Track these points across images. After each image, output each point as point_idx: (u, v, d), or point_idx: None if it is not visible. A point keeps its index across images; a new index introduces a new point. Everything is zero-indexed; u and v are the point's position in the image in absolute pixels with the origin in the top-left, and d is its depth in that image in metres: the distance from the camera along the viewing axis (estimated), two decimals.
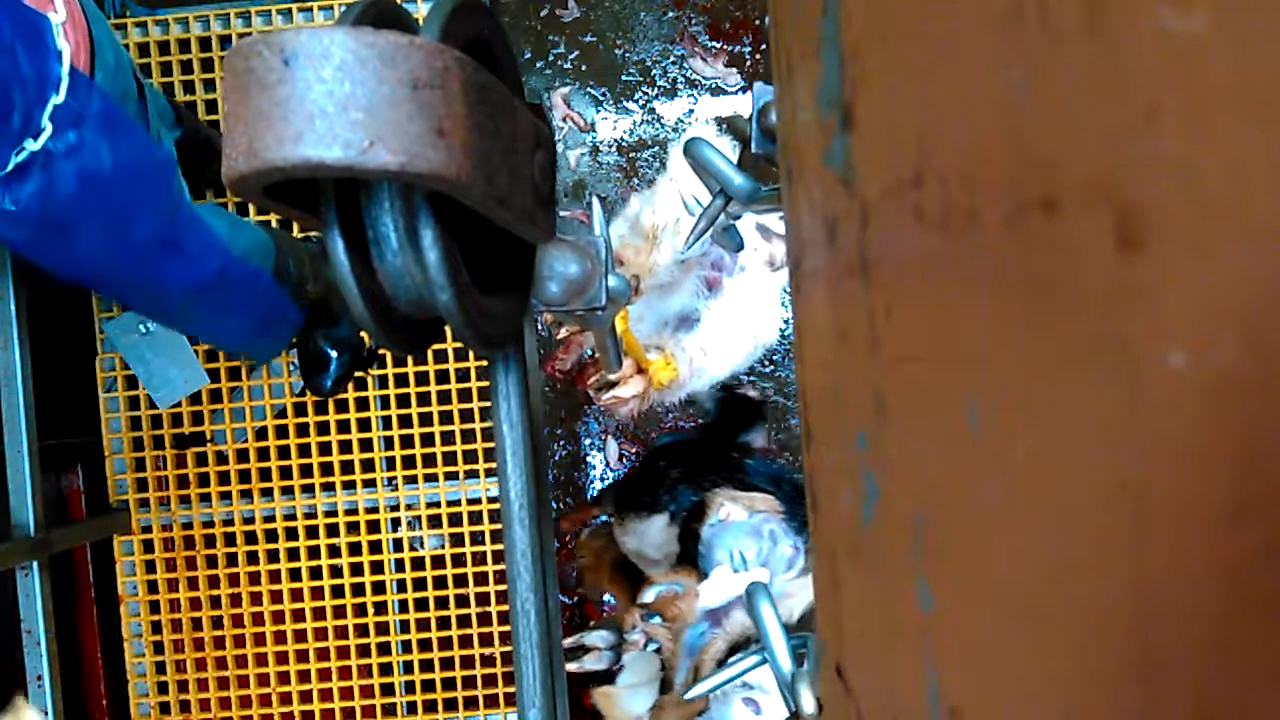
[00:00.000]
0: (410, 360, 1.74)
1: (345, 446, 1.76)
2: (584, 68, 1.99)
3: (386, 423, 1.77)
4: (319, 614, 1.77)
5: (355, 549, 1.78)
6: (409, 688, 1.77)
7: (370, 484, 1.77)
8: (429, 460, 1.76)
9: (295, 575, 1.76)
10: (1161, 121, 0.16)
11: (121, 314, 1.67)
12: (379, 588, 1.77)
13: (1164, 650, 0.17)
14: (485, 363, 0.46)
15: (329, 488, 1.76)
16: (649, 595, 1.15)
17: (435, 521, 1.78)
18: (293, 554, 1.76)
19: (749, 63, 1.99)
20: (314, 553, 1.76)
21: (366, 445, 1.76)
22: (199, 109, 1.73)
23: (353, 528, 1.78)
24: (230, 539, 1.75)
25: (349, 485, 1.77)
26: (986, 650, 0.23)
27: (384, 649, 1.78)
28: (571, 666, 1.15)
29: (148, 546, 1.75)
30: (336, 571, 1.77)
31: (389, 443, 1.77)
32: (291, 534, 1.76)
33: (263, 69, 0.29)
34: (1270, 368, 0.14)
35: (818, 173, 0.32)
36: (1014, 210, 0.20)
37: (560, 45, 1.98)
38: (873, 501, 0.29)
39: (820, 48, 0.30)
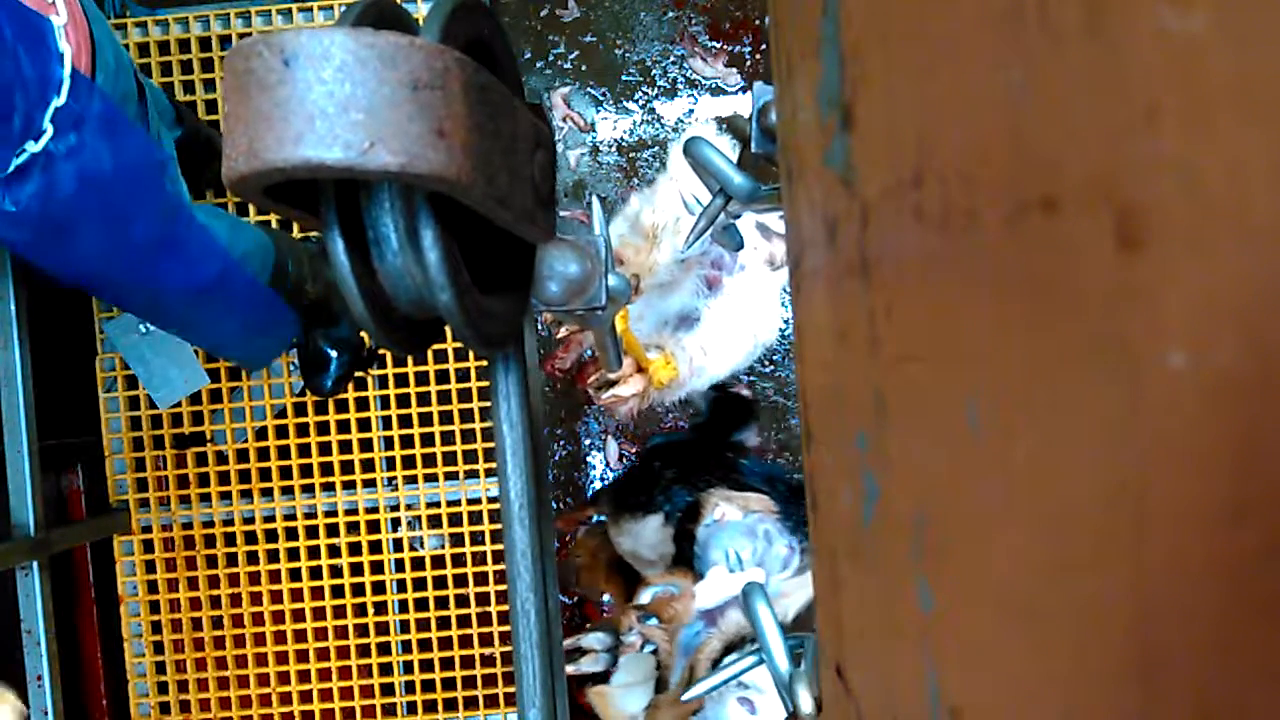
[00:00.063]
0: (410, 360, 1.74)
1: (345, 446, 1.76)
2: (584, 68, 1.99)
3: (386, 423, 1.77)
4: (319, 614, 1.77)
5: (355, 549, 1.78)
6: (409, 688, 1.77)
7: (370, 484, 1.77)
8: (429, 460, 1.76)
9: (295, 575, 1.76)
10: (1161, 121, 0.16)
11: (121, 314, 1.67)
12: (379, 588, 1.78)
13: (1164, 650, 0.17)
14: (485, 363, 0.46)
15: (329, 488, 1.76)
16: (645, 597, 1.15)
17: (435, 521, 1.78)
18: (293, 554, 1.76)
19: (749, 63, 1.99)
20: (314, 553, 1.76)
21: (366, 445, 1.76)
22: (199, 109, 1.73)
23: (353, 528, 1.78)
24: (230, 539, 1.75)
25: (349, 485, 1.77)
26: (986, 650, 0.23)
27: (384, 649, 1.78)
28: (568, 669, 1.15)
29: (148, 546, 1.75)
30: (336, 571, 1.77)
31: (389, 443, 1.77)
32: (291, 534, 1.76)
33: (263, 69, 0.29)
34: (1270, 368, 0.14)
35: (818, 173, 0.32)
36: (1014, 210, 0.20)
37: (560, 45, 1.98)
38: (873, 501, 0.29)
39: (820, 48, 0.30)
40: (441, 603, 1.76)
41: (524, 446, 0.44)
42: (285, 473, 1.76)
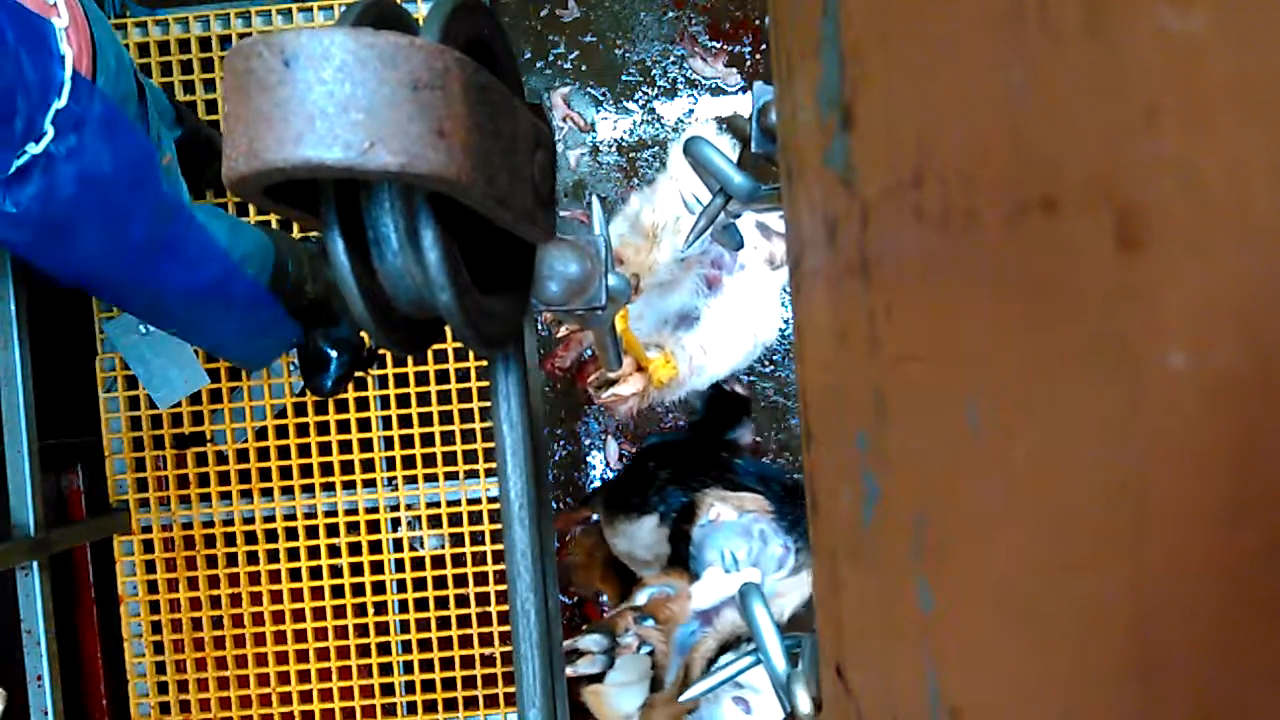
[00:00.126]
0: (410, 360, 1.74)
1: (345, 446, 1.76)
2: (584, 68, 1.99)
3: (386, 423, 1.77)
4: (319, 614, 1.77)
5: (355, 549, 1.78)
6: (409, 688, 1.77)
7: (370, 484, 1.77)
8: (429, 460, 1.76)
9: (295, 575, 1.76)
10: (1161, 121, 0.16)
11: (122, 314, 1.67)
12: (379, 588, 1.78)
13: (1164, 650, 0.17)
14: (485, 363, 0.46)
15: (329, 488, 1.76)
16: (641, 598, 1.15)
17: (435, 521, 1.78)
18: (293, 554, 1.76)
19: (749, 63, 1.99)
20: (314, 553, 1.76)
21: (366, 445, 1.76)
22: (199, 109, 1.73)
23: (353, 528, 1.78)
24: (230, 539, 1.75)
25: (349, 485, 1.77)
26: (986, 650, 0.23)
27: (384, 649, 1.78)
28: (565, 671, 1.14)
29: (148, 546, 1.75)
30: (336, 571, 1.77)
31: (389, 443, 1.77)
32: (291, 534, 1.76)
33: (263, 70, 0.29)
34: (1270, 368, 0.14)
35: (818, 173, 0.32)
36: (1014, 210, 0.20)
37: (560, 45, 1.98)
38: (873, 501, 0.29)
39: (820, 48, 0.30)
40: (441, 603, 1.76)
41: (524, 446, 0.44)
42: (285, 473, 1.76)
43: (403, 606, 1.77)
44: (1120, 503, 0.17)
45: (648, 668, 1.11)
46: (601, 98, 1.99)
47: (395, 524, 1.78)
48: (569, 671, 1.16)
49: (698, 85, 1.99)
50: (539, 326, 1.74)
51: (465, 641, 1.76)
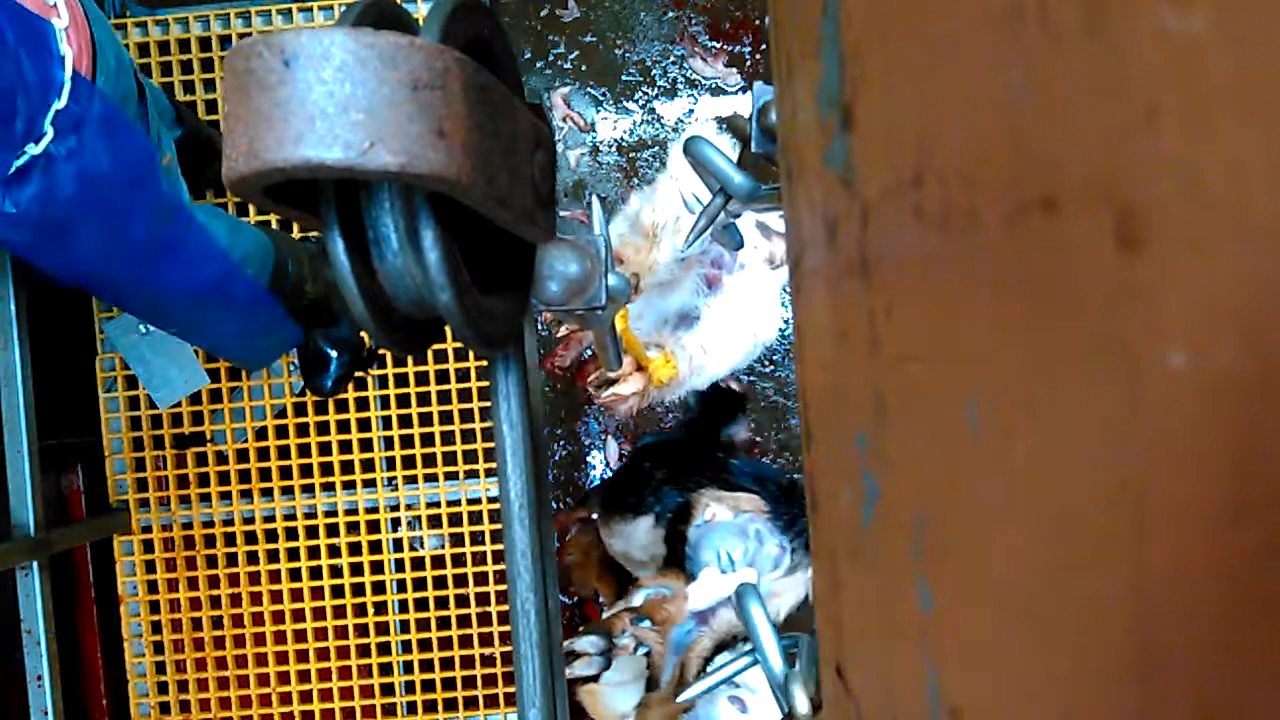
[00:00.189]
0: (410, 360, 1.74)
1: (345, 446, 1.76)
2: (584, 68, 1.99)
3: (386, 423, 1.77)
4: (319, 614, 1.77)
5: (355, 549, 1.78)
6: (409, 688, 1.77)
7: (370, 484, 1.77)
8: (429, 460, 1.76)
9: (295, 575, 1.76)
10: (1161, 121, 0.16)
11: (122, 314, 1.67)
12: (379, 588, 1.78)
13: (1164, 650, 0.17)
14: (485, 363, 0.46)
15: (329, 488, 1.76)
16: (638, 599, 1.15)
17: (435, 521, 1.78)
18: (293, 554, 1.76)
19: (749, 63, 1.99)
20: (314, 553, 1.76)
21: (366, 445, 1.76)
22: (199, 109, 1.73)
23: (353, 528, 1.78)
24: (230, 539, 1.75)
25: (349, 485, 1.77)
26: (986, 650, 0.23)
27: (384, 649, 1.78)
28: None
29: (148, 546, 1.75)
30: (336, 571, 1.77)
31: (389, 443, 1.77)
32: (291, 534, 1.76)
33: (263, 70, 0.29)
34: (1270, 368, 0.14)
35: (818, 173, 0.32)
36: (1014, 210, 0.20)
37: (560, 45, 1.98)
38: (873, 501, 0.29)
39: (820, 48, 0.30)
40: (441, 603, 1.76)
41: (524, 446, 0.44)
42: (285, 473, 1.76)
43: (403, 606, 1.77)
44: (1120, 503, 0.17)
45: (643, 667, 1.11)
46: (601, 98, 1.99)
47: (395, 524, 1.78)
48: (567, 673, 1.16)
49: (698, 85, 1.99)
50: (539, 326, 1.74)
51: (465, 641, 1.76)
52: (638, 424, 1.97)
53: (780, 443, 1.98)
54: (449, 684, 1.77)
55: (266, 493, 1.76)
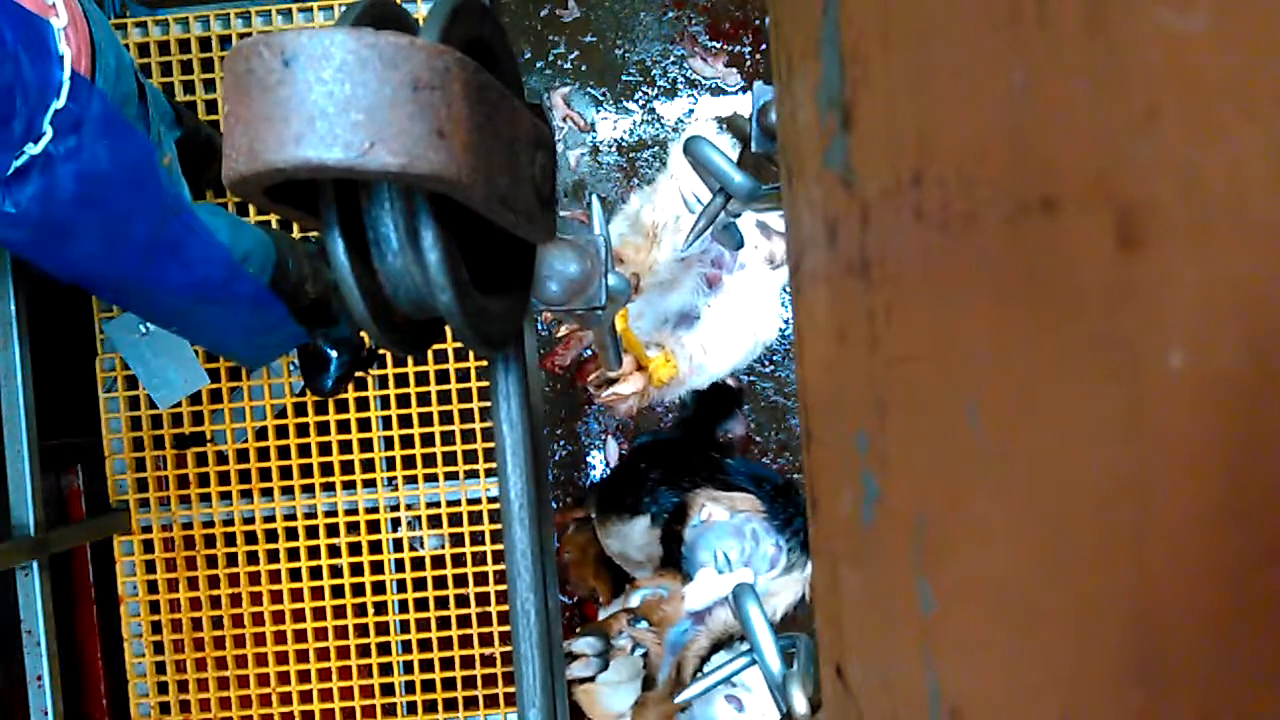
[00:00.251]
0: (410, 360, 1.74)
1: (345, 446, 1.76)
2: (584, 68, 1.99)
3: (386, 423, 1.77)
4: (319, 614, 1.77)
5: (355, 549, 1.78)
6: (409, 688, 1.77)
7: (370, 484, 1.77)
8: (429, 460, 1.76)
9: (295, 575, 1.76)
10: (1161, 121, 0.16)
11: (122, 314, 1.67)
12: (379, 588, 1.78)
13: (1164, 650, 0.17)
14: (485, 363, 0.46)
15: (329, 488, 1.76)
16: (634, 600, 1.15)
17: (435, 521, 1.78)
18: (293, 554, 1.76)
19: (749, 63, 1.99)
20: (314, 553, 1.76)
21: (366, 445, 1.76)
22: (199, 109, 1.73)
23: (353, 528, 1.78)
24: (230, 539, 1.75)
25: (349, 485, 1.77)
26: (986, 650, 0.23)
27: (384, 649, 1.78)
28: None
29: (148, 546, 1.75)
30: (336, 571, 1.77)
31: (389, 443, 1.77)
32: (291, 534, 1.76)
33: (263, 70, 0.29)
34: (1270, 368, 0.14)
35: (818, 173, 0.32)
36: (1014, 210, 0.20)
37: (560, 45, 1.98)
38: (873, 501, 0.29)
39: (820, 48, 0.30)
40: (441, 603, 1.76)
41: (524, 446, 0.44)
42: (285, 473, 1.76)
43: (403, 606, 1.77)
44: (1120, 503, 0.17)
45: (639, 667, 1.11)
46: (601, 98, 1.99)
47: (395, 524, 1.78)
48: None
49: (698, 85, 1.99)
50: (539, 326, 1.74)
51: (465, 641, 1.76)
52: (638, 424, 1.97)
53: (780, 443, 1.98)
54: (449, 684, 1.77)
55: (266, 493, 1.76)
